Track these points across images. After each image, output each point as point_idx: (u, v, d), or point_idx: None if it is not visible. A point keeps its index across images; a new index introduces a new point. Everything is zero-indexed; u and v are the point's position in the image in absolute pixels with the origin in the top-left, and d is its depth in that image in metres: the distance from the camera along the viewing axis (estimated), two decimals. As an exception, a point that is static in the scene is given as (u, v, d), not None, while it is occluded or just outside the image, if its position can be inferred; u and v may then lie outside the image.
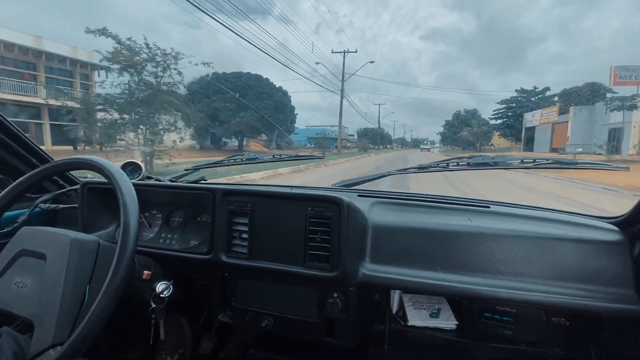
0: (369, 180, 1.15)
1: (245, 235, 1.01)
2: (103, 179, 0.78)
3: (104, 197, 1.07)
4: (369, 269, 0.95)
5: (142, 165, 1.14)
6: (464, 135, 49.72)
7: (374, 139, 69.44)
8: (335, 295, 0.96)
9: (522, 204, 1.11)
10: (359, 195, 1.09)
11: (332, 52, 37.69)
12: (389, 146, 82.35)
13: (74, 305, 0.64)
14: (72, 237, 0.74)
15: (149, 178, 1.19)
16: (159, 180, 1.19)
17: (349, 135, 64.12)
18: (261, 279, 1.00)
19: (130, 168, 1.15)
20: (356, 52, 32.35)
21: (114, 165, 0.81)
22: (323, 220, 0.96)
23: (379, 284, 0.94)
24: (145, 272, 0.92)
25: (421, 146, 67.16)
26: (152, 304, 0.93)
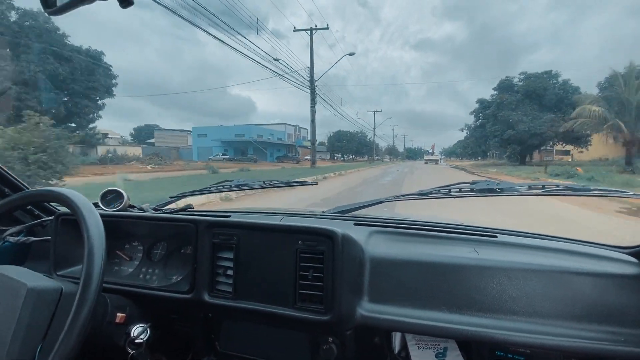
0: (366, 207, 1.07)
1: (230, 272, 0.93)
2: None
3: (79, 229, 0.99)
4: (368, 309, 0.87)
5: (124, 193, 1.08)
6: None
7: (352, 146, 57.60)
8: (330, 340, 0.86)
9: (530, 231, 1.06)
10: (355, 224, 1.00)
11: (294, 30, 24.13)
12: (377, 158, 66.14)
13: None
14: (28, 286, 0.67)
15: (131, 207, 1.14)
16: (142, 210, 1.14)
17: (314, 143, 58.29)
18: (248, 321, 0.89)
19: (111, 196, 1.07)
20: (328, 28, 22.64)
21: (77, 194, 0.77)
22: (315, 256, 0.88)
23: (379, 326, 0.85)
24: (119, 314, 0.84)
25: (425, 157, 58.11)
26: (129, 350, 0.85)
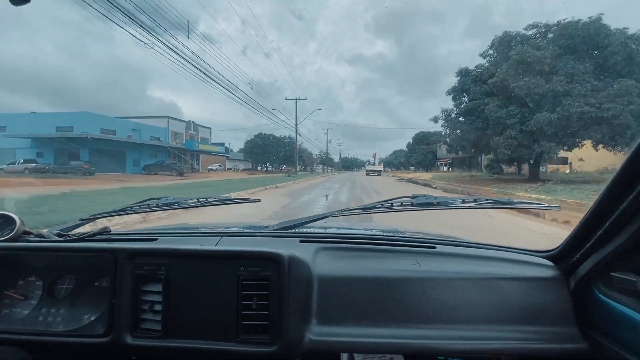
0: (311, 222, 1.04)
1: (158, 308, 0.82)
2: None
3: None
4: (317, 332, 0.84)
5: (16, 217, 0.85)
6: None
7: (278, 153, 44.23)
8: None
9: (464, 239, 1.14)
10: (300, 241, 0.95)
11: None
12: (306, 168, 56.27)
13: None
14: None
15: (27, 233, 0.96)
16: (41, 236, 0.97)
17: (215, 146, 43.91)
18: None
19: None
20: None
21: None
22: (260, 282, 0.83)
23: (329, 350, 0.84)
24: None
25: (367, 167, 49.35)
26: None
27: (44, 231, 0.97)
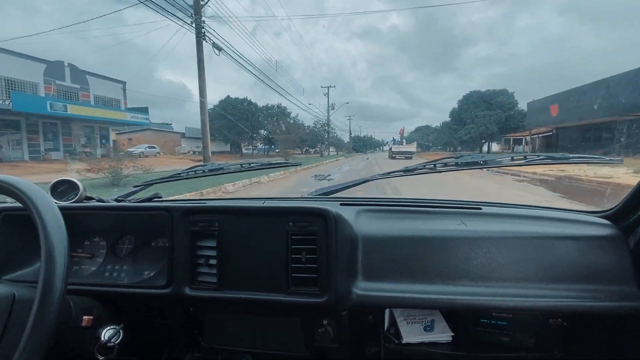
0: (349, 187, 1.07)
1: (213, 262, 0.93)
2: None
3: (27, 226, 0.86)
4: (362, 287, 0.91)
5: (79, 183, 1.10)
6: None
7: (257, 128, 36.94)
8: (325, 322, 0.95)
9: (512, 203, 1.16)
10: (341, 204, 0.99)
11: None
12: (311, 151, 47.55)
13: None
14: None
15: (88, 198, 1.14)
16: (102, 201, 1.15)
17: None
18: (235, 312, 0.86)
19: (63, 187, 1.02)
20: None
21: (28, 183, 0.70)
22: (308, 237, 0.90)
23: (374, 304, 0.95)
24: (84, 317, 0.79)
25: (393, 148, 37.29)
26: (99, 356, 0.81)
27: (105, 198, 1.17)
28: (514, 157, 1.07)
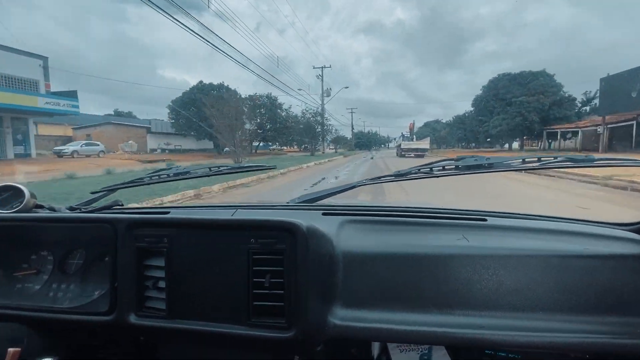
0: (335, 194, 0.95)
1: (162, 284, 0.84)
2: None
3: None
4: (342, 317, 0.81)
5: (25, 190, 1.01)
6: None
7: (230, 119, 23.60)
8: (296, 359, 0.87)
9: (520, 212, 1.06)
10: (323, 214, 0.89)
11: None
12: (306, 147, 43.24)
13: None
14: None
15: (38, 207, 1.06)
16: (52, 210, 1.07)
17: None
18: (190, 345, 0.72)
19: (6, 195, 1.00)
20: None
21: None
22: (272, 257, 0.80)
23: (356, 337, 0.81)
24: (10, 350, 0.71)
25: (403, 144, 35.30)
26: None
27: (58, 206, 1.10)
28: (526, 159, 0.94)
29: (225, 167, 1.19)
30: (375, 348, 1.07)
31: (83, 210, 1.14)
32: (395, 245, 0.88)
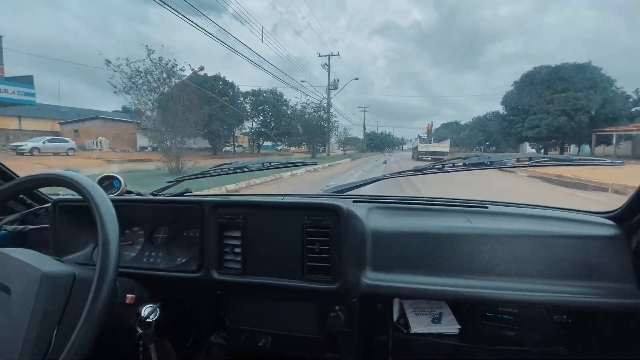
0: (362, 185, 1.25)
1: (238, 250, 1.13)
2: (76, 195, 0.77)
3: (79, 215, 1.11)
4: (371, 278, 1.08)
5: (120, 178, 1.14)
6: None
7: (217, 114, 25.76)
8: (337, 308, 1.05)
9: (519, 202, 1.31)
10: (354, 201, 1.18)
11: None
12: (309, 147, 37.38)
13: (39, 350, 0.62)
14: (42, 271, 0.76)
15: (128, 192, 1.44)
16: (140, 195, 1.48)
17: None
18: (257, 296, 1.06)
19: (108, 182, 1.17)
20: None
21: (88, 180, 0.89)
22: (321, 230, 1.07)
23: (382, 293, 1.03)
24: (128, 295, 0.96)
25: (420, 146, 32.94)
26: (139, 329, 0.98)
27: (142, 191, 1.26)
28: (520, 159, 1.28)
29: (276, 163, 1.52)
30: (396, 311, 1.34)
31: (163, 195, 1.46)
32: (412, 225, 1.14)
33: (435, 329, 1.19)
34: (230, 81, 27.88)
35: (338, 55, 32.87)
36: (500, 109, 34.99)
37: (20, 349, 0.66)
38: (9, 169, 1.35)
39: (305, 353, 1.14)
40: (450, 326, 1.19)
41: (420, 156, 29.38)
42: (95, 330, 0.68)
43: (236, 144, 34.90)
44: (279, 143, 38.62)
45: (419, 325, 1.21)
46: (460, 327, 1.18)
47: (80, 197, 0.80)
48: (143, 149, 27.68)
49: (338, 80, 34.71)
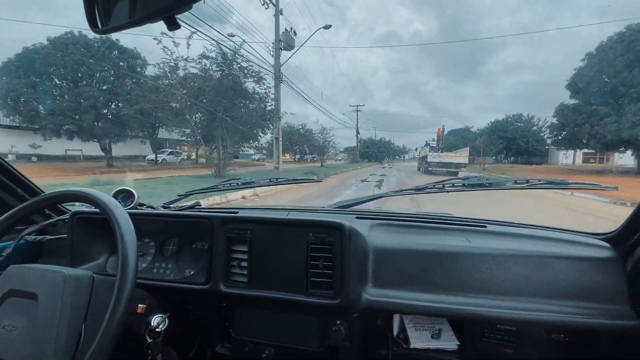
0: (365, 202, 1.28)
1: (244, 264, 1.19)
2: (93, 208, 0.85)
3: (94, 227, 1.18)
4: (372, 293, 1.13)
5: (134, 192, 1.21)
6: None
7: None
8: (338, 322, 1.10)
9: (516, 222, 1.38)
10: (357, 217, 1.24)
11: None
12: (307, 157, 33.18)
13: (70, 346, 0.74)
14: (65, 273, 0.82)
15: (141, 205, 1.28)
16: (152, 207, 1.26)
17: None
18: (261, 309, 1.09)
19: (122, 196, 1.24)
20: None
21: (106, 195, 0.96)
22: (325, 246, 1.13)
23: (382, 309, 1.10)
24: (139, 305, 1.00)
25: (429, 155, 25.07)
26: (148, 339, 1.02)
27: (154, 204, 1.30)
28: (517, 181, 1.33)
29: (282, 179, 1.60)
30: (396, 326, 1.38)
31: (174, 208, 1.55)
32: (412, 243, 1.19)
33: (435, 344, 1.21)
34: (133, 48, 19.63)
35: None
36: (566, 96, 23.46)
37: (54, 345, 0.69)
38: (34, 184, 1.41)
39: None
40: (449, 342, 1.22)
41: (430, 168, 24.54)
42: (115, 337, 0.71)
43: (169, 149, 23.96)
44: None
45: (419, 340, 1.23)
46: (459, 343, 1.20)
47: (97, 209, 0.86)
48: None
49: (294, 32, 21.36)
